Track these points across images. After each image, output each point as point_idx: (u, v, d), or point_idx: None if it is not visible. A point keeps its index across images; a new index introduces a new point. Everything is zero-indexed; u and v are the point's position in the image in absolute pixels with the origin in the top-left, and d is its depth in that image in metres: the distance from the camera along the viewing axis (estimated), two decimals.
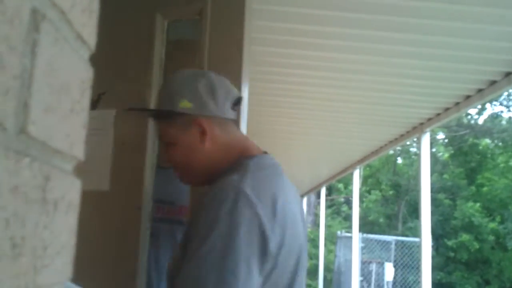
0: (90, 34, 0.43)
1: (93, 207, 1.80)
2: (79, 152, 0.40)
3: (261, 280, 0.99)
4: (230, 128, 1.29)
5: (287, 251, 1.06)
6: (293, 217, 1.16)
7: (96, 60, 1.58)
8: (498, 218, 19.41)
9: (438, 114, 4.99)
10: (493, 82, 4.06)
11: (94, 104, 1.95)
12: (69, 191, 0.39)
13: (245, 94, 1.68)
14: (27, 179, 0.32)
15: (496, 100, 21.69)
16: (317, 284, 12.68)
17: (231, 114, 1.26)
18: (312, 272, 16.03)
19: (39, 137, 0.33)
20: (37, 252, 0.34)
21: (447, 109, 4.82)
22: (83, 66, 0.42)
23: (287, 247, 1.06)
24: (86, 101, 0.42)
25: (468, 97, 4.45)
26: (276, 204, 1.07)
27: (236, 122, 1.35)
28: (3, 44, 0.28)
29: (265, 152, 1.33)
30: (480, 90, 4.26)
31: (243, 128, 1.66)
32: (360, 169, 8.92)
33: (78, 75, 0.40)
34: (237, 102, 1.28)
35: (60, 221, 0.37)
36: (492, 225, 19.09)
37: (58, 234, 0.37)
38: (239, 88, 1.66)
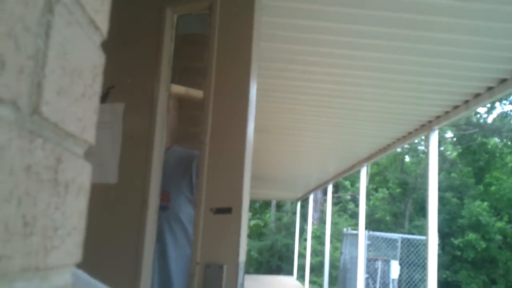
0: (103, 20, 0.43)
1: (101, 200, 1.81)
2: (91, 136, 0.41)
3: None
4: None
5: None
6: None
7: (105, 53, 1.58)
8: (505, 218, 19.31)
9: (447, 112, 4.96)
10: (503, 80, 4.03)
11: (103, 97, 1.96)
12: (80, 174, 0.39)
13: (253, 90, 1.68)
14: (40, 159, 0.32)
15: (506, 99, 21.54)
16: (322, 280, 12.69)
17: None
18: (318, 269, 16.03)
19: (51, 118, 0.33)
20: (48, 232, 0.34)
21: (456, 107, 4.79)
22: (95, 52, 0.42)
23: None
24: (97, 86, 0.42)
25: (477, 95, 4.42)
26: None
27: None
28: (18, 24, 0.28)
29: None
30: (490, 88, 4.23)
31: (251, 125, 1.65)
32: (367, 167, 8.89)
33: (90, 60, 0.41)
34: None
35: (71, 203, 0.38)
36: (500, 224, 19.00)
37: (69, 215, 0.37)
38: (247, 84, 1.66)
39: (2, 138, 0.27)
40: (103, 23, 0.42)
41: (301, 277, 15.31)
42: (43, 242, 0.34)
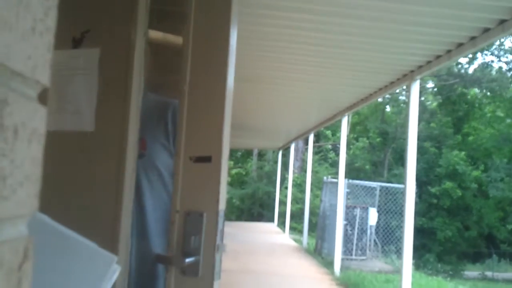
0: None
1: (77, 147, 1.77)
2: (44, 76, 0.37)
3: None
4: None
5: None
6: None
7: None
8: (481, 167, 19.82)
9: (429, 62, 4.95)
10: (486, 30, 4.00)
11: (78, 43, 1.88)
12: (32, 119, 0.36)
13: (234, 36, 1.62)
14: None
15: (488, 50, 21.59)
16: (302, 227, 13.00)
17: None
18: (298, 216, 16.39)
19: None
20: None
21: (438, 56, 4.77)
22: None
23: None
24: (51, 22, 0.38)
25: (460, 45, 4.40)
26: None
27: None
28: None
29: None
30: (472, 38, 4.20)
31: (231, 73, 1.60)
32: (348, 116, 8.93)
33: None
34: None
35: (22, 150, 0.34)
36: (476, 173, 19.52)
37: (19, 164, 0.34)
38: (228, 30, 1.60)
39: None
40: None
41: (281, 224, 15.66)
42: None
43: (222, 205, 1.53)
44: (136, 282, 1.77)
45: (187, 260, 1.44)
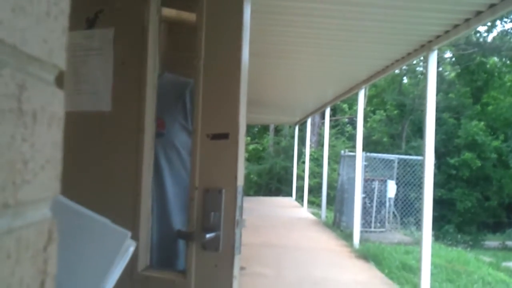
0: None
1: (95, 128, 1.79)
2: (60, 60, 0.37)
3: None
4: None
5: None
6: None
7: None
8: (501, 137, 19.54)
9: (447, 32, 4.84)
10: None
11: (91, 23, 1.88)
12: (50, 102, 0.36)
13: (247, 11, 1.60)
14: None
15: (507, 17, 21.01)
16: (320, 201, 13.04)
17: None
18: (316, 190, 16.43)
19: (7, 39, 0.30)
20: (16, 166, 0.32)
21: (456, 26, 4.66)
22: None
23: None
24: (65, 4, 0.38)
25: (479, 13, 4.28)
26: None
27: None
28: None
29: None
30: (492, 6, 4.09)
31: (245, 48, 1.59)
32: (365, 89, 8.84)
33: None
34: None
35: (42, 134, 0.35)
36: (495, 143, 19.26)
37: (40, 147, 0.35)
38: (241, 4, 1.58)
39: None
40: None
41: (299, 198, 15.72)
42: (11, 177, 0.31)
43: (240, 181, 1.54)
44: (158, 257, 1.80)
45: (208, 235, 1.46)
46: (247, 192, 17.83)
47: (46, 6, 0.35)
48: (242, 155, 1.56)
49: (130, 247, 0.84)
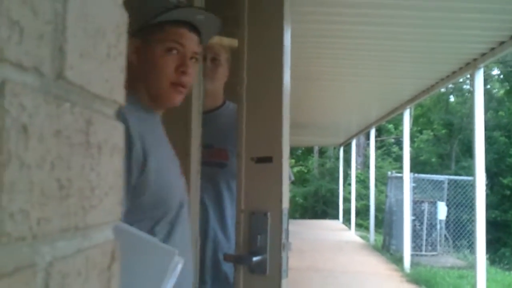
0: None
1: None
2: (120, 96, 0.41)
3: None
4: None
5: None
6: None
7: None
8: None
9: (493, 49, 4.74)
10: None
11: None
12: (112, 135, 0.40)
13: (287, 35, 1.64)
14: (69, 123, 0.33)
15: None
16: (368, 223, 12.79)
17: None
18: (363, 212, 16.13)
19: (77, 82, 0.34)
20: (85, 193, 0.35)
21: (502, 43, 4.56)
22: (117, 10, 0.42)
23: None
24: (122, 46, 0.42)
25: None
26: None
27: None
28: None
29: None
30: None
31: (287, 72, 1.62)
32: (410, 109, 8.70)
33: (113, 19, 0.40)
34: None
35: (106, 164, 0.39)
36: None
37: (104, 175, 0.38)
38: (281, 30, 1.62)
39: (29, 105, 0.28)
40: None
41: (347, 221, 15.47)
42: (81, 202, 0.35)
43: (285, 204, 1.55)
44: (213, 278, 1.83)
45: (255, 258, 1.48)
46: (292, 215, 17.73)
47: (107, 49, 0.39)
48: (286, 177, 1.58)
49: (178, 265, 0.87)
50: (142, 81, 1.28)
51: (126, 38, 0.43)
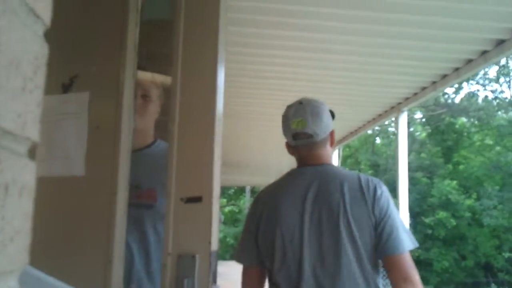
0: (44, 9, 0.40)
1: (68, 192, 1.76)
2: (33, 133, 0.38)
3: None
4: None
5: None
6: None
7: (67, 42, 1.51)
8: (474, 195, 19.83)
9: (415, 94, 5.03)
10: (469, 61, 4.10)
11: (67, 88, 1.90)
12: (22, 174, 0.37)
13: (221, 76, 1.65)
14: None
15: (473, 79, 21.98)
16: None
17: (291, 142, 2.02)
18: None
19: None
20: None
21: (424, 88, 4.86)
22: (37, 42, 0.39)
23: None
24: (40, 79, 0.39)
25: (444, 76, 4.49)
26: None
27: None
28: None
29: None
30: (456, 69, 4.30)
31: (220, 111, 1.63)
32: (339, 149, 8.97)
33: (31, 51, 0.38)
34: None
35: (13, 206, 0.35)
36: (469, 202, 19.51)
37: (10, 219, 0.35)
38: (214, 70, 1.63)
39: None
40: (45, 11, 0.40)
41: None
42: None
43: (214, 246, 1.52)
44: None
45: None
46: (222, 256, 17.44)
47: (22, 81, 0.36)
48: (216, 218, 1.55)
49: None
50: None
51: (44, 71, 0.40)
